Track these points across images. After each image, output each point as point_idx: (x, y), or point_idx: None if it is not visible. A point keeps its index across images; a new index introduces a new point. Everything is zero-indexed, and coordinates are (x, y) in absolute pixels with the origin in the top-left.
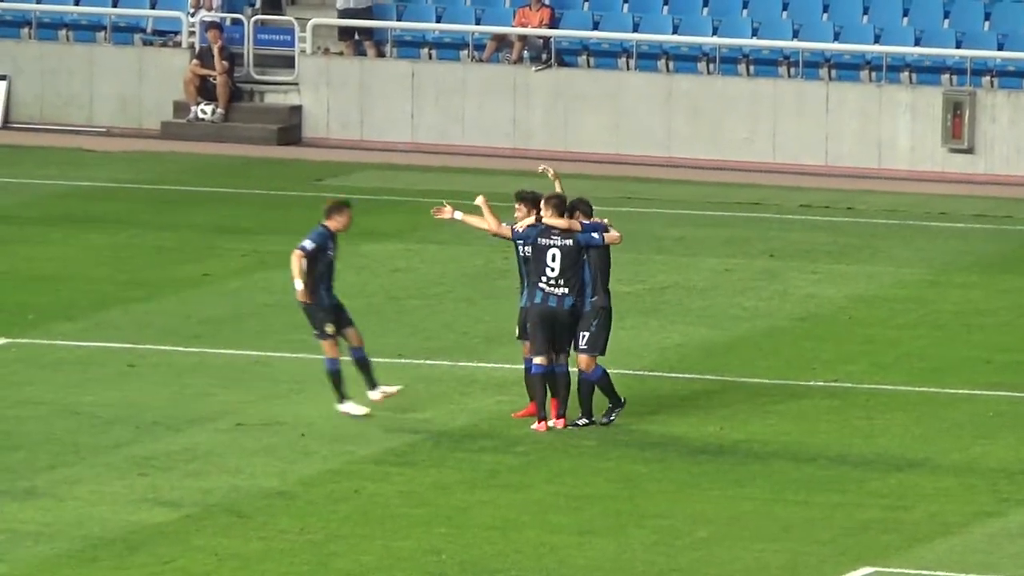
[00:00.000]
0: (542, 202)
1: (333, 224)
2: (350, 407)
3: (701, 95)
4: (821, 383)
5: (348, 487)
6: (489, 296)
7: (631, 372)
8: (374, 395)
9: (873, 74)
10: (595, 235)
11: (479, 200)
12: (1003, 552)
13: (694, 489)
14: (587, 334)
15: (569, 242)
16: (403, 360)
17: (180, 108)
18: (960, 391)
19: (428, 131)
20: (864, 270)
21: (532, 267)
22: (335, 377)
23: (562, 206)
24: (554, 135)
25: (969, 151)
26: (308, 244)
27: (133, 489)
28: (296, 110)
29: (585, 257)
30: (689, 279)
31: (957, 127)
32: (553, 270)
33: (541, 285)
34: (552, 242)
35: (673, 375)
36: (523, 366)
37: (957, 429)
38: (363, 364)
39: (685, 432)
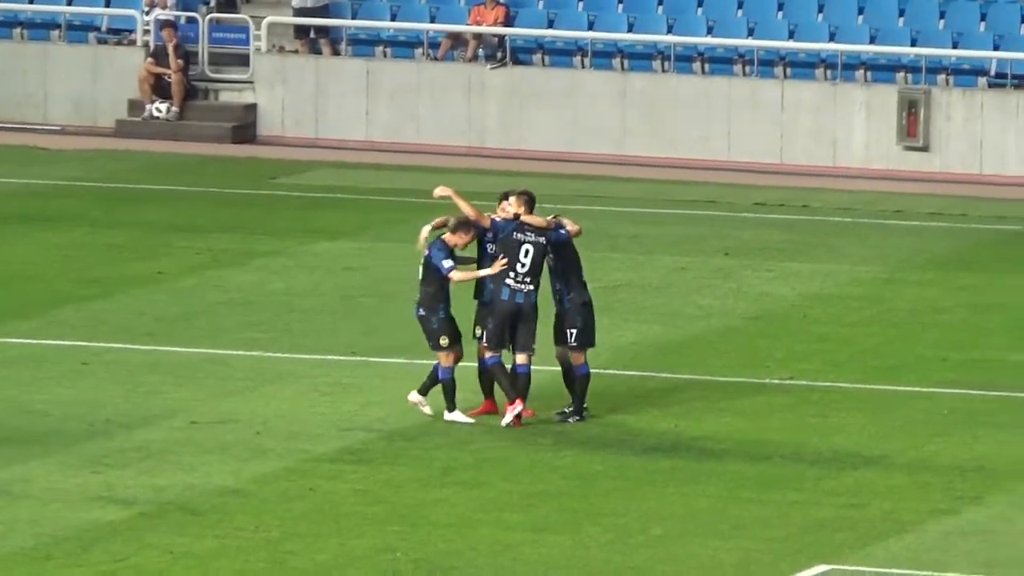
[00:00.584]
0: (513, 198)
1: (456, 239)
2: (457, 415)
3: (656, 93)
4: (775, 381)
5: (303, 485)
6: None
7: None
8: (416, 398)
9: (828, 72)
10: (562, 231)
11: (440, 191)
12: (957, 550)
13: (649, 487)
14: (575, 331)
15: (542, 240)
16: (357, 358)
17: (135, 106)
18: (915, 389)
19: (383, 129)
20: (819, 268)
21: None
22: (447, 386)
23: (533, 203)
24: (509, 133)
25: (924, 149)
26: (449, 263)
27: (87, 487)
28: (251, 108)
29: (552, 257)
30: (644, 277)
31: (912, 125)
32: (524, 266)
33: (508, 281)
34: (526, 238)
35: (627, 373)
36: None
37: (912, 427)
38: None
39: (640, 430)
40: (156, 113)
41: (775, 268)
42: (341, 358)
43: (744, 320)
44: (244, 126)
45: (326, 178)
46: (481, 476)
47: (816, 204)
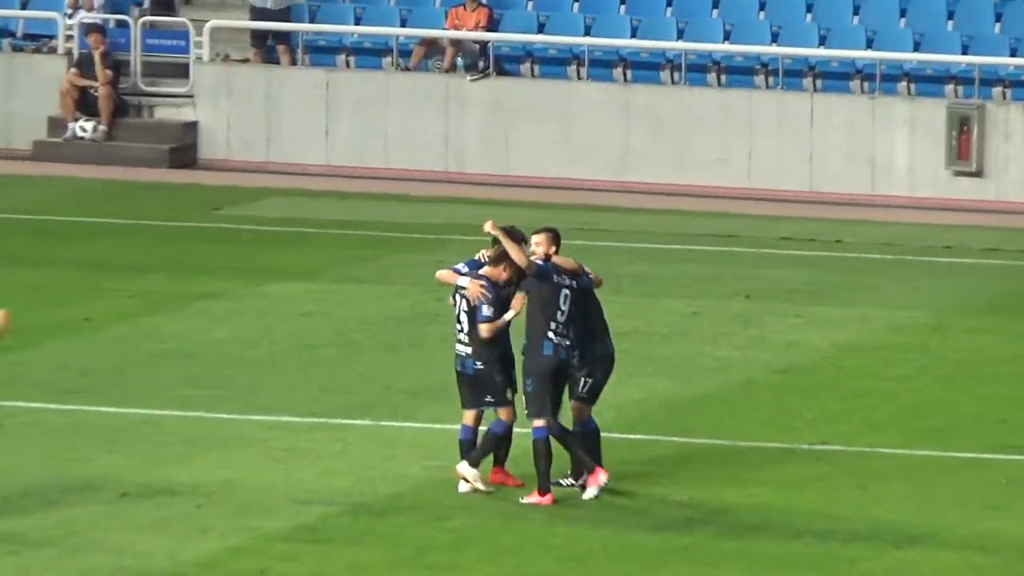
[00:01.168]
0: (541, 236)
1: (498, 273)
2: (477, 479)
3: (664, 109)
4: (806, 446)
5: (252, 567)
6: (417, 344)
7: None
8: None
9: (865, 84)
10: (583, 277)
11: (490, 227)
12: None
13: (659, 569)
14: (591, 381)
15: (575, 284)
16: (316, 419)
17: (56, 125)
18: (967, 455)
19: (345, 151)
20: (855, 313)
21: (537, 311)
22: (501, 440)
23: (559, 241)
24: (492, 155)
25: (977, 174)
26: (489, 310)
27: (1, 571)
28: (191, 127)
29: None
30: (650, 324)
31: (964, 146)
32: (563, 314)
33: (550, 334)
34: (562, 282)
35: (632, 436)
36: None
37: (963, 499)
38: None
39: (647, 503)
40: (80, 132)
41: (804, 313)
42: (296, 419)
43: (768, 374)
44: (183, 148)
45: (279, 208)
46: (460, 558)
47: (851, 239)
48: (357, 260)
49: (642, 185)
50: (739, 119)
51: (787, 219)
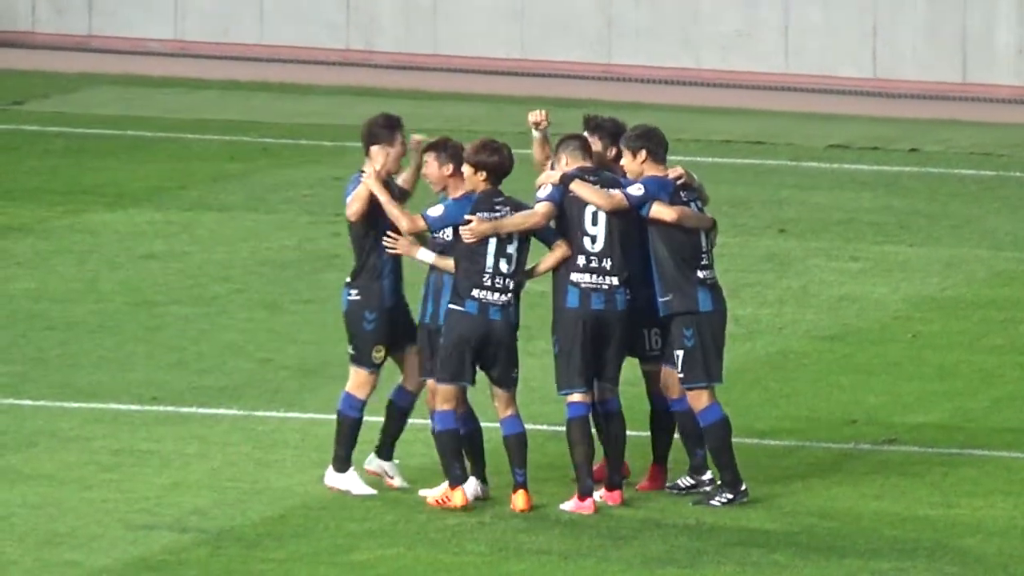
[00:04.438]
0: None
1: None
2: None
3: None
4: (867, 446)
5: None
6: (308, 300)
7: (547, 427)
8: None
9: None
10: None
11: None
12: None
13: None
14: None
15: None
16: (161, 407)
17: None
18: None
19: (202, 22)
20: (939, 255)
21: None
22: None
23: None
24: (413, 29)
25: None
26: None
27: None
28: None
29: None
30: None
31: None
32: (594, 241)
33: (576, 276)
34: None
35: (630, 433)
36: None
37: None
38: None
39: (636, 526)
40: None
41: (864, 255)
42: (133, 408)
43: (812, 342)
44: None
45: (107, 103)
46: None
47: (933, 147)
48: (220, 178)
49: (631, 70)
50: None
51: (840, 119)
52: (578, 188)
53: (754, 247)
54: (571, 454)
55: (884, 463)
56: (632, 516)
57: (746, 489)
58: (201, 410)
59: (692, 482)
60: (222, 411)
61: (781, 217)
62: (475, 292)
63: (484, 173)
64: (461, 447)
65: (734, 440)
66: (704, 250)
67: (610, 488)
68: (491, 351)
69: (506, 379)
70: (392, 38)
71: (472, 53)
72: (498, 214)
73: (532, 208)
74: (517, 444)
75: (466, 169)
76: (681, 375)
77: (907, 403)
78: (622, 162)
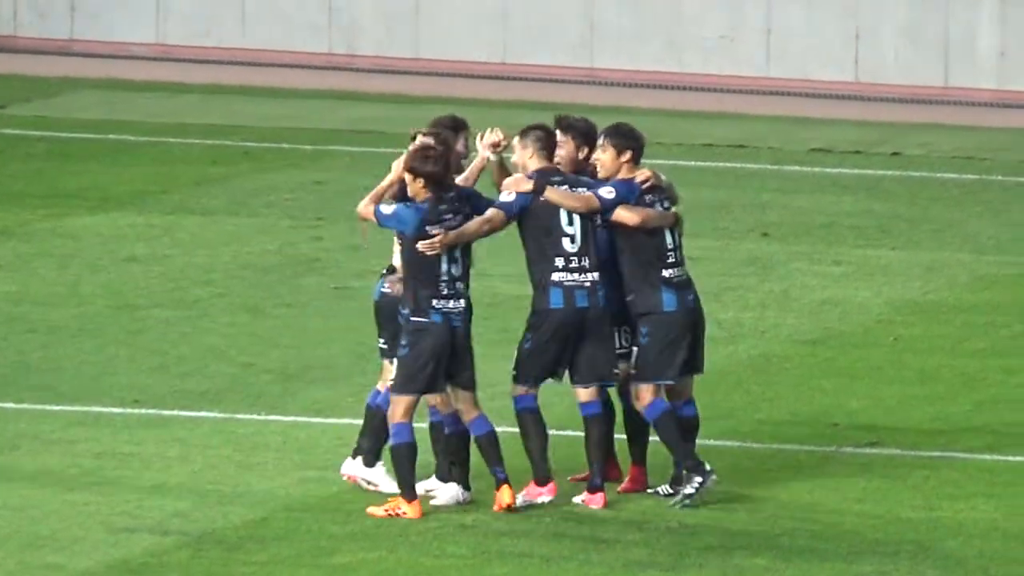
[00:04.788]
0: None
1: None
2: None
3: None
4: (850, 449)
5: None
6: (290, 304)
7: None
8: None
9: None
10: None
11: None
12: None
13: None
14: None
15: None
16: (143, 410)
17: None
18: None
19: (184, 25)
20: (919, 259)
21: (543, 243)
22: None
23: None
24: (395, 33)
25: None
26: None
27: None
28: None
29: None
30: None
31: None
32: (574, 242)
33: (557, 276)
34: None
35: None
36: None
37: None
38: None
39: (617, 529)
40: None
41: (847, 259)
42: (115, 410)
43: (795, 346)
44: None
45: (90, 107)
46: None
47: (915, 150)
48: (202, 181)
49: (614, 74)
50: None
51: (822, 123)
52: (552, 196)
53: (736, 251)
54: (528, 447)
55: (866, 466)
56: (614, 518)
57: (712, 470)
58: (183, 413)
59: (672, 492)
60: (204, 414)
61: (763, 221)
62: (435, 303)
63: (422, 180)
64: (415, 460)
65: (716, 443)
66: (670, 248)
67: (592, 491)
68: (457, 358)
69: (470, 381)
70: (374, 41)
71: (454, 57)
72: (447, 222)
73: (485, 214)
74: (490, 443)
75: (407, 175)
76: (632, 371)
77: (889, 406)
78: (596, 156)
